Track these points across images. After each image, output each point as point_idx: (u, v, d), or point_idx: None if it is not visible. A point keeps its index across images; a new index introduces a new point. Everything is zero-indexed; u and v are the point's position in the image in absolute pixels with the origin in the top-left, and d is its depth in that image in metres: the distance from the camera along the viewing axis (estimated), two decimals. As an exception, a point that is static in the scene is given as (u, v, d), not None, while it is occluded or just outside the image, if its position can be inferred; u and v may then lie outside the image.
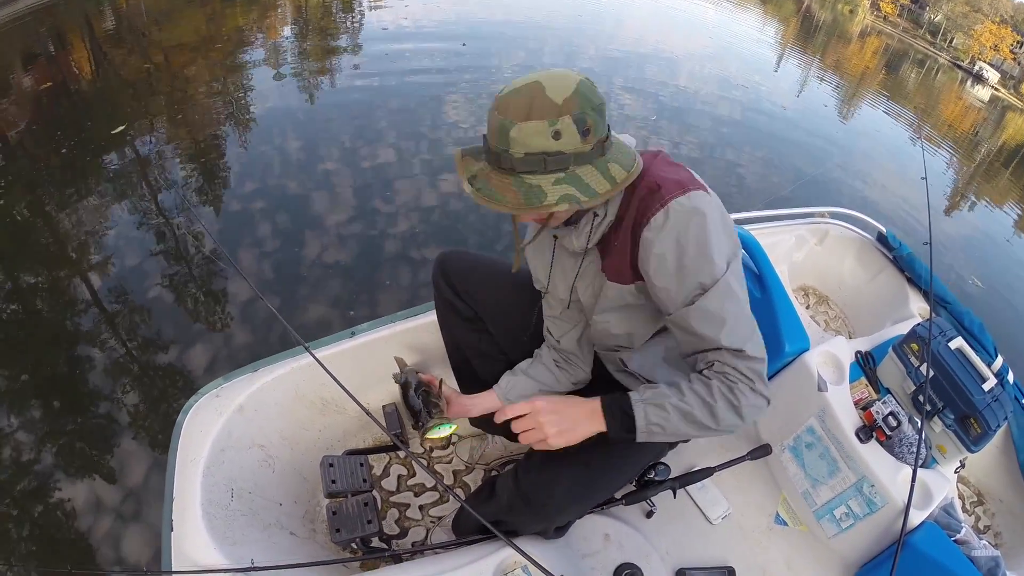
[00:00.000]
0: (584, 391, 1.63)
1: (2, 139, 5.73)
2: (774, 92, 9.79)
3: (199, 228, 4.39)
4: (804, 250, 2.82)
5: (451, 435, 1.60)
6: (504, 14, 10.78)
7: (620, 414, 1.20)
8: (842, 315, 2.89)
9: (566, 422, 1.23)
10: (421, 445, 1.96)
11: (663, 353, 1.43)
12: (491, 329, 1.73)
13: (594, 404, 1.22)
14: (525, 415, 1.26)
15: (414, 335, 2.02)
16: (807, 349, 1.85)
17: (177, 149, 5.58)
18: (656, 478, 1.69)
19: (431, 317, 1.88)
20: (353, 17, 10.40)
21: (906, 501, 1.58)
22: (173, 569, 1.46)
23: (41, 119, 6.11)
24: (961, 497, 2.35)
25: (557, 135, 1.03)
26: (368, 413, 1.44)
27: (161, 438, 2.88)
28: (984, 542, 1.80)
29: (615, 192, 1.09)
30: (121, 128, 5.81)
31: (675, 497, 1.79)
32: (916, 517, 1.59)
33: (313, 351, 1.86)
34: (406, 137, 5.83)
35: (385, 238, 4.46)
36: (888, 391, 1.95)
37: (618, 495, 1.72)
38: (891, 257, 2.68)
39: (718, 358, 1.14)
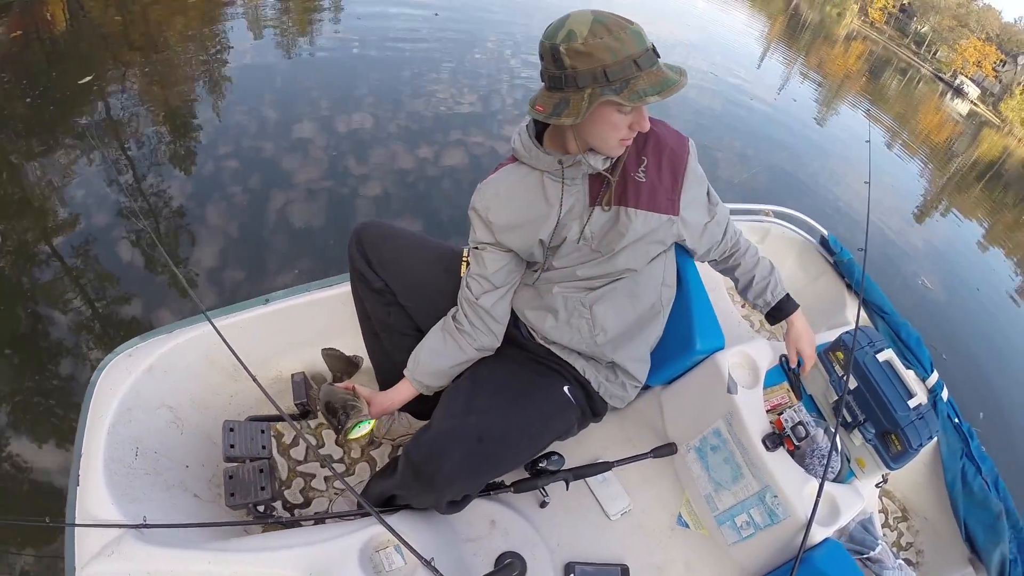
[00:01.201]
0: (507, 361, 1.67)
1: None
2: (755, 86, 9.75)
3: (151, 187, 4.38)
4: None
5: (371, 432, 1.61)
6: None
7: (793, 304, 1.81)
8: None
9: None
10: (344, 447, 1.97)
11: (616, 297, 1.60)
12: (402, 302, 1.73)
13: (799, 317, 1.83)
14: None
15: (329, 305, 2.01)
16: (721, 348, 1.82)
17: (145, 103, 5.50)
18: (549, 467, 1.70)
19: (346, 287, 1.88)
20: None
21: (809, 515, 1.55)
22: (74, 523, 1.49)
23: (8, 68, 6.10)
24: (884, 511, 2.36)
25: None
26: (257, 382, 1.46)
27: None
28: (899, 562, 1.79)
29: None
30: (88, 78, 5.75)
31: (568, 488, 1.79)
32: (819, 534, 1.56)
33: (223, 317, 1.88)
34: (382, 101, 5.83)
35: (349, 201, 4.51)
36: (811, 399, 1.93)
37: (508, 481, 1.73)
38: (832, 262, 2.66)
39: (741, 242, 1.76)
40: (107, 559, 1.41)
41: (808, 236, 2.77)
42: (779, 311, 1.76)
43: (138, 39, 6.94)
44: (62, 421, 2.89)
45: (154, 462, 1.72)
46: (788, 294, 1.77)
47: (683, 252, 1.78)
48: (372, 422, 1.60)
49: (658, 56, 1.22)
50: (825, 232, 2.69)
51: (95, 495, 1.51)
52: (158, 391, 1.80)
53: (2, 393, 3.00)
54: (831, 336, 1.94)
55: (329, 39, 7.38)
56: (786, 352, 1.84)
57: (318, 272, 3.70)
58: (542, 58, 1.26)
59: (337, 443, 1.69)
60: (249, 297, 1.99)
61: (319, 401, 1.61)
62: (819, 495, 1.55)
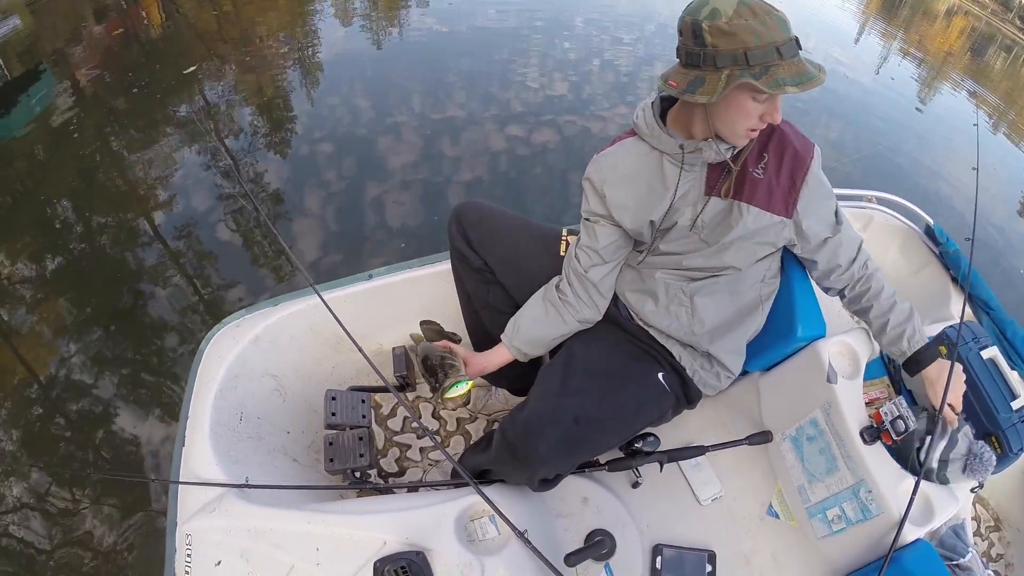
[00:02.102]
0: (603, 341, 1.66)
1: (74, 82, 6.00)
2: (852, 65, 9.27)
3: (252, 170, 4.61)
4: None
5: (469, 392, 1.65)
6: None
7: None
8: None
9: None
10: (441, 403, 2.00)
11: (717, 290, 1.57)
12: (501, 281, 1.77)
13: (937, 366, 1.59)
14: None
15: (430, 282, 2.06)
16: (822, 336, 1.75)
17: (243, 94, 5.75)
18: (644, 448, 1.69)
19: (447, 265, 1.92)
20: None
21: (902, 514, 1.48)
22: (179, 480, 1.58)
23: (112, 64, 6.35)
24: (977, 519, 2.24)
25: None
26: (363, 353, 1.50)
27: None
28: (990, 572, 1.71)
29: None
30: (192, 68, 6.05)
31: (662, 470, 1.78)
32: (911, 533, 1.49)
33: (329, 291, 1.95)
34: (474, 84, 5.87)
35: (445, 185, 4.56)
36: (910, 394, 1.86)
37: (603, 460, 1.73)
38: (937, 252, 2.53)
39: (864, 269, 1.59)
40: (208, 515, 1.50)
41: (912, 224, 2.63)
42: (916, 363, 1.57)
43: (232, 33, 7.25)
44: (165, 391, 3.09)
45: (257, 427, 1.81)
46: (928, 343, 1.57)
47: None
48: (470, 382, 1.63)
49: (800, 48, 1.20)
50: (931, 221, 2.56)
51: (200, 455, 1.60)
52: (263, 360, 1.89)
53: (112, 364, 3.22)
54: (934, 330, 1.85)
55: (419, 25, 7.46)
56: (929, 402, 1.63)
57: (415, 251, 3.81)
58: (680, 33, 1.25)
59: (433, 401, 1.73)
60: (348, 275, 2.06)
61: (416, 357, 1.64)
62: (914, 493, 1.48)
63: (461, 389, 1.62)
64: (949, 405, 1.53)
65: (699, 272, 1.55)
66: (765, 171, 1.41)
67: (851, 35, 11.92)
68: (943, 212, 5.28)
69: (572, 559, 1.49)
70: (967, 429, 1.59)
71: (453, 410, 2.20)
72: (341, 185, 4.49)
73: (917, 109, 8.73)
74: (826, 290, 1.67)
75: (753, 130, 1.31)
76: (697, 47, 1.20)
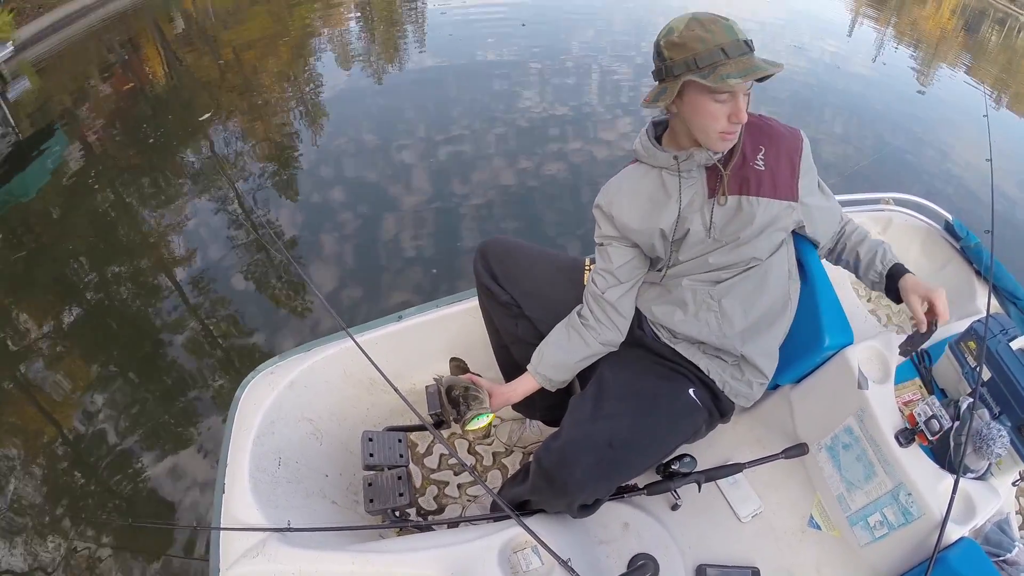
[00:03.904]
0: (631, 365, 1.68)
1: (84, 139, 6.18)
2: (849, 58, 9.31)
3: (266, 217, 4.70)
4: None
5: (489, 424, 1.67)
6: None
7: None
8: (906, 309, 2.69)
9: None
10: (463, 435, 2.02)
11: (744, 290, 1.59)
12: (528, 314, 1.80)
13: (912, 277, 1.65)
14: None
15: (459, 319, 2.10)
16: (850, 343, 1.75)
17: (252, 141, 5.89)
18: (681, 470, 1.69)
19: (475, 302, 1.96)
20: (414, 4, 10.55)
21: (944, 513, 1.46)
22: (221, 526, 1.61)
23: (123, 118, 6.56)
24: (1022, 513, 2.21)
25: None
26: (399, 393, 1.52)
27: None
28: None
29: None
30: (207, 115, 6.21)
31: (700, 491, 1.77)
32: (954, 532, 1.47)
33: (361, 334, 1.99)
34: (478, 120, 5.93)
35: (459, 217, 4.63)
36: (943, 392, 1.85)
37: (641, 484, 1.74)
38: (958, 248, 2.52)
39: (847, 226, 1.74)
40: (252, 560, 1.52)
41: (932, 222, 2.64)
42: (892, 279, 1.65)
43: (236, 81, 7.44)
44: (199, 440, 3.12)
45: (295, 471, 1.83)
46: (899, 263, 1.67)
47: (806, 246, 1.75)
48: (491, 415, 1.65)
49: (751, 48, 1.31)
50: (949, 217, 2.56)
51: (240, 501, 1.63)
52: (298, 405, 1.92)
53: (143, 416, 3.29)
54: (962, 326, 1.83)
55: (419, 60, 7.61)
56: (914, 316, 1.62)
57: (439, 280, 3.86)
58: (654, 57, 1.39)
59: (454, 426, 1.75)
60: (374, 317, 2.11)
61: (441, 388, 1.66)
62: (954, 491, 1.45)
63: (482, 421, 1.64)
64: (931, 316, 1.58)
65: (724, 272, 1.57)
66: (765, 162, 1.48)
67: (844, 27, 11.88)
68: (960, 205, 5.23)
69: None
70: (983, 412, 1.57)
71: (481, 439, 2.23)
72: (356, 225, 4.57)
73: (919, 93, 8.63)
74: (822, 251, 1.78)
75: (726, 132, 1.39)
76: (659, 63, 1.37)
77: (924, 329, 1.58)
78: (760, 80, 1.31)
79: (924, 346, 1.68)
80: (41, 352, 3.77)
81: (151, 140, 5.93)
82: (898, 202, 2.66)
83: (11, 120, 6.99)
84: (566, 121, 5.96)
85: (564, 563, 1.28)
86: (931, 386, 1.86)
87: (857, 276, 1.75)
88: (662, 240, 1.56)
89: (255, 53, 8.26)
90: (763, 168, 1.48)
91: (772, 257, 1.58)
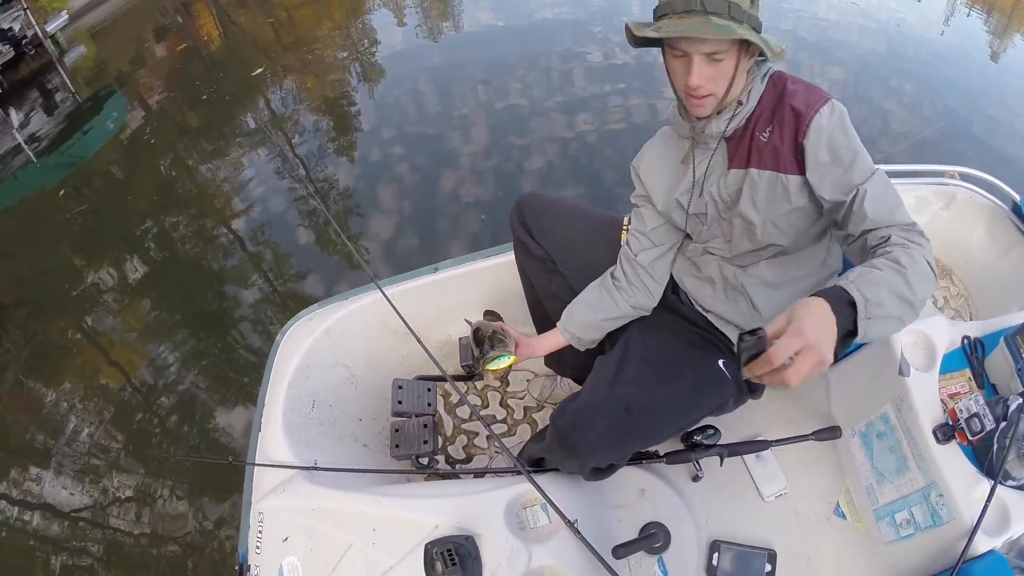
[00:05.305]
0: (661, 330, 1.65)
1: (143, 100, 6.48)
2: (916, 22, 8.53)
3: (317, 171, 4.84)
4: (927, 214, 2.49)
5: (508, 367, 1.69)
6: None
7: (838, 300, 1.00)
8: (965, 292, 2.54)
9: (825, 332, 0.97)
10: (482, 375, 2.04)
11: (769, 277, 1.50)
12: (562, 270, 1.79)
13: (819, 300, 1.00)
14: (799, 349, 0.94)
15: (496, 272, 2.12)
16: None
17: (306, 97, 6.02)
18: (704, 441, 1.66)
19: (512, 256, 1.96)
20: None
21: (975, 521, 1.35)
22: (252, 463, 1.71)
23: (178, 79, 6.81)
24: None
25: None
26: (420, 342, 1.54)
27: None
28: None
29: (781, 58, 1.30)
30: (259, 70, 6.36)
31: (722, 464, 1.73)
32: (983, 543, 1.36)
33: (396, 285, 2.04)
34: (534, 71, 5.87)
35: (513, 174, 4.63)
36: (994, 388, 1.74)
37: (662, 452, 1.72)
38: None
39: (893, 232, 1.17)
40: (279, 495, 1.61)
41: (999, 202, 2.43)
42: None
43: (289, 39, 7.55)
44: (246, 383, 3.32)
45: (328, 414, 1.91)
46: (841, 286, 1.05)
47: None
48: (512, 358, 1.66)
49: (704, 9, 1.19)
50: (1017, 197, 2.37)
51: (273, 440, 1.72)
52: (335, 351, 1.99)
53: (195, 360, 3.51)
54: (1020, 318, 1.70)
55: (476, 17, 7.54)
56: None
57: (490, 237, 3.89)
58: None
59: (476, 370, 1.77)
60: (417, 267, 2.14)
61: (471, 328, 1.70)
62: (989, 498, 1.35)
63: (502, 362, 1.66)
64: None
65: (749, 257, 1.51)
66: (771, 134, 1.36)
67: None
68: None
69: (620, 551, 1.48)
70: None
71: (501, 384, 2.26)
72: (410, 179, 4.64)
73: (992, 63, 7.98)
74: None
75: (690, 94, 1.29)
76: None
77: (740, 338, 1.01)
78: (713, 54, 1.22)
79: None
80: (102, 300, 4.06)
81: (204, 96, 6.14)
82: (964, 177, 2.47)
83: (70, 85, 7.46)
84: (628, 74, 5.80)
85: (570, 524, 1.28)
86: (982, 379, 1.76)
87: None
88: (680, 211, 1.53)
89: (308, 12, 8.35)
90: (766, 140, 1.36)
91: (800, 244, 1.47)
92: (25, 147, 6.09)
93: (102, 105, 6.58)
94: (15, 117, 6.79)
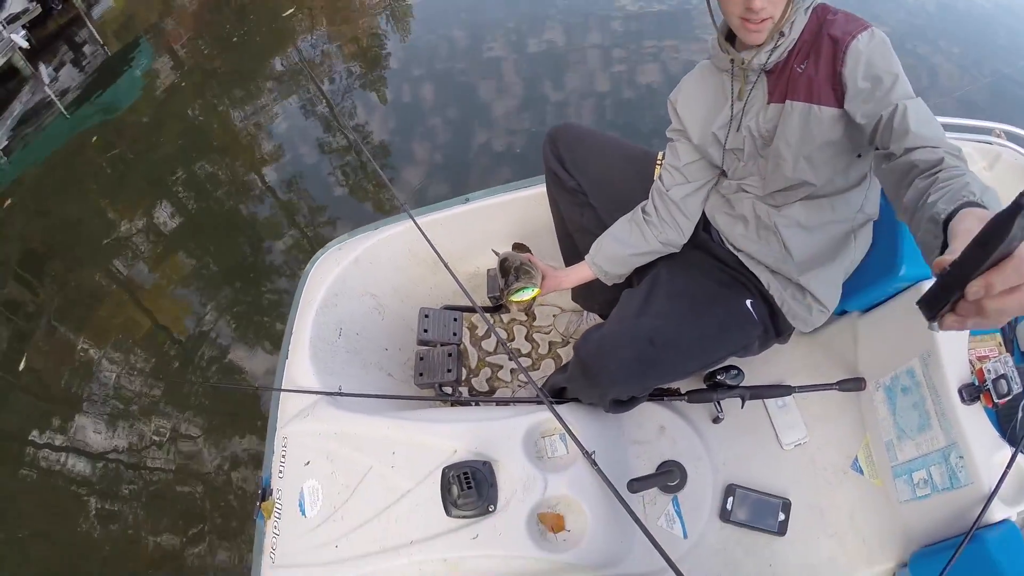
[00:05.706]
0: (691, 268, 1.64)
1: (171, 49, 6.45)
2: None
3: (346, 109, 4.84)
4: None
5: (533, 299, 1.69)
6: None
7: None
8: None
9: None
10: (507, 306, 2.07)
11: (803, 218, 1.47)
12: (593, 203, 1.78)
13: None
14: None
15: (526, 204, 2.10)
16: (928, 277, 1.56)
17: (337, 38, 5.93)
18: (727, 381, 1.65)
19: (543, 188, 1.94)
20: None
21: (992, 488, 1.32)
22: (279, 388, 1.76)
23: (207, 26, 6.75)
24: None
25: None
26: (451, 272, 1.55)
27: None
28: None
29: None
30: (291, 11, 6.28)
31: (743, 407, 1.72)
32: (998, 511, 1.34)
33: (426, 215, 2.03)
34: (572, 19, 5.68)
35: (546, 110, 4.58)
36: (1023, 355, 1.69)
37: (684, 390, 1.73)
38: None
39: (946, 157, 1.04)
40: (303, 420, 1.65)
41: None
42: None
43: None
44: (279, 317, 3.38)
45: (355, 342, 1.94)
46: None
47: None
48: (536, 289, 1.67)
49: None
50: None
51: (299, 367, 1.75)
52: (363, 280, 2.01)
53: (229, 297, 3.61)
54: None
55: None
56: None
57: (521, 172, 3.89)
58: None
59: (501, 301, 1.78)
60: (454, 195, 2.14)
61: (498, 258, 1.70)
62: (1009, 465, 1.30)
63: (527, 294, 1.66)
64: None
65: (782, 195, 1.47)
66: (807, 66, 1.30)
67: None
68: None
69: (635, 485, 1.49)
70: None
71: (526, 316, 2.27)
72: (443, 115, 4.60)
73: None
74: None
75: (745, 20, 1.24)
76: None
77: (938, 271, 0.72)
78: None
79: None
80: (133, 246, 4.16)
81: (235, 39, 6.10)
82: (1010, 136, 2.36)
83: (98, 38, 7.44)
84: (663, 19, 5.59)
85: (588, 454, 1.30)
86: (1011, 344, 1.72)
87: (910, 221, 1.04)
88: (717, 146, 1.49)
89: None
90: (802, 71, 1.31)
91: (835, 186, 1.43)
92: (56, 101, 6.14)
93: (131, 56, 6.59)
94: (45, 72, 6.82)
